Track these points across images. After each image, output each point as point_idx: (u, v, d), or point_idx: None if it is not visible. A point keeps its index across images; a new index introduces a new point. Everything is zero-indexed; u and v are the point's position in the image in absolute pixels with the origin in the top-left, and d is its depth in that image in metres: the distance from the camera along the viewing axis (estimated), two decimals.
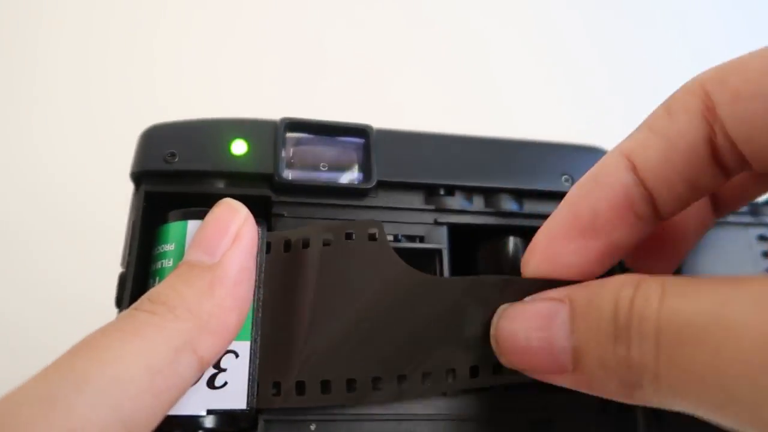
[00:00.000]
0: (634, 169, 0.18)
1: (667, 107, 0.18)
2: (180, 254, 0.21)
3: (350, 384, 0.20)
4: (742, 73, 0.17)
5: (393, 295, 0.20)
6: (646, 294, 0.15)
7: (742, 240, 0.24)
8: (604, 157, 0.19)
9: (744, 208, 0.25)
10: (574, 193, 0.19)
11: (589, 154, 0.26)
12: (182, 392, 0.18)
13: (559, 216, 0.19)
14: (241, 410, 0.20)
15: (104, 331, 0.17)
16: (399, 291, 0.20)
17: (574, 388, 0.17)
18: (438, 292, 0.20)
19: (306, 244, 0.21)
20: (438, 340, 0.20)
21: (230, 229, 0.20)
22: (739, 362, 0.13)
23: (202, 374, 0.19)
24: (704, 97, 0.17)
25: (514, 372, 0.19)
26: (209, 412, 0.19)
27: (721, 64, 0.17)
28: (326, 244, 0.21)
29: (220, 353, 0.19)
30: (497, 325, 0.19)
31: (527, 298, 0.19)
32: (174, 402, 0.18)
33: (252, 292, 0.20)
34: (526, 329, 0.18)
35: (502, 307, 0.19)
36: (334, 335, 0.20)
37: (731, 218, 0.24)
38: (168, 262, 0.21)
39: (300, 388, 0.20)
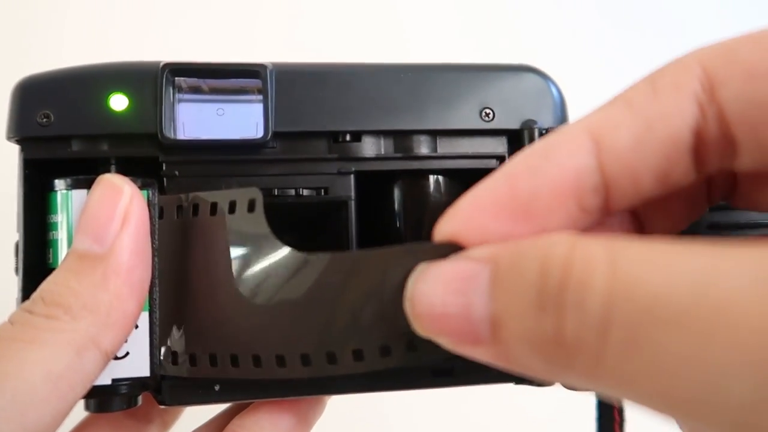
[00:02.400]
0: (597, 152, 0.15)
1: (653, 81, 0.15)
2: (69, 226, 0.20)
3: (256, 359, 0.20)
4: (758, 48, 0.13)
5: (291, 272, 0.20)
6: (587, 256, 0.13)
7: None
8: (563, 129, 0.15)
9: None
10: (516, 165, 0.15)
11: (515, 76, 0.23)
12: (89, 385, 0.18)
13: (492, 187, 0.15)
14: (145, 377, 0.20)
15: (1, 342, 0.17)
16: (284, 266, 0.19)
17: (492, 362, 0.15)
18: (342, 265, 0.19)
19: (195, 211, 0.20)
20: (345, 316, 0.19)
21: (116, 211, 0.19)
22: (735, 354, 0.11)
23: (108, 362, 0.19)
24: (702, 76, 0.14)
25: (429, 350, 0.17)
26: (114, 381, 0.20)
27: (727, 40, 0.14)
28: (212, 212, 0.20)
29: (124, 340, 0.19)
30: (413, 286, 0.16)
31: (450, 258, 0.16)
32: (80, 396, 0.18)
33: (149, 272, 0.20)
34: (443, 292, 0.15)
35: (421, 266, 0.16)
36: (230, 310, 0.20)
37: None
38: (58, 234, 0.21)
39: (213, 360, 0.20)
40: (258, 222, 0.19)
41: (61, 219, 0.21)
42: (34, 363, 0.17)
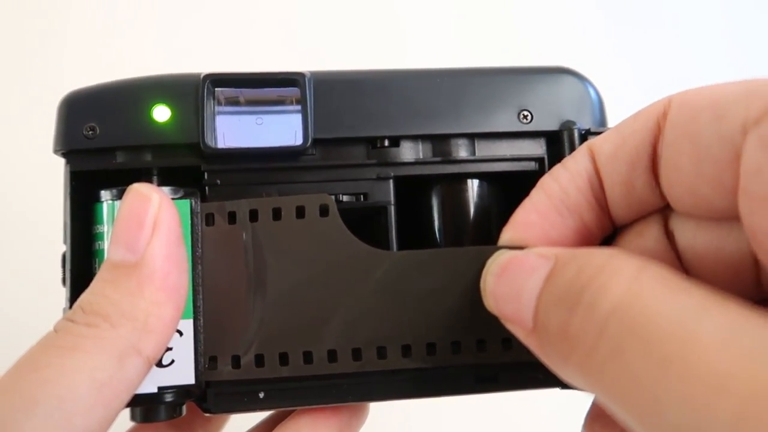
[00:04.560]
0: (592, 160, 0.19)
1: (638, 111, 0.18)
2: None
3: (307, 356, 0.20)
4: (699, 97, 0.16)
5: (348, 269, 0.20)
6: (617, 267, 0.14)
7: None
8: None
9: None
10: (546, 177, 0.20)
11: (552, 78, 0.23)
12: (132, 392, 0.19)
13: (534, 196, 0.19)
14: (191, 385, 0.20)
15: (44, 349, 0.18)
16: (354, 266, 0.20)
17: (530, 348, 0.17)
18: (404, 266, 0.20)
19: (254, 217, 0.20)
20: (402, 313, 0.20)
21: (146, 219, 0.19)
22: (678, 394, 0.12)
23: (151, 368, 0.19)
24: (666, 105, 0.17)
25: (494, 352, 0.20)
26: (160, 389, 0.20)
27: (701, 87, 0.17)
28: (275, 217, 0.20)
29: (165, 346, 0.20)
30: (490, 266, 0.19)
31: (525, 249, 0.18)
32: (125, 403, 0.18)
33: (185, 276, 0.20)
34: (511, 278, 0.18)
35: (498, 252, 0.19)
36: (288, 309, 0.20)
37: None
38: (104, 244, 0.21)
39: (259, 360, 0.20)
40: (333, 224, 0.20)
41: (107, 229, 0.21)
42: (78, 370, 0.17)
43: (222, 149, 0.21)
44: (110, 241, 0.19)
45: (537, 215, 0.19)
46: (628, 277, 0.14)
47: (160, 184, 0.22)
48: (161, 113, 0.21)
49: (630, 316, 0.13)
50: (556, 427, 0.34)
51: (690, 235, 0.17)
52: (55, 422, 0.16)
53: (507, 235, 0.19)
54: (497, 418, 0.44)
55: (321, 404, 0.21)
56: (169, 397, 0.21)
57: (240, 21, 0.49)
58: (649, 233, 0.18)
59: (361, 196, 0.22)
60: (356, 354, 0.20)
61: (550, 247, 0.17)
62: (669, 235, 0.18)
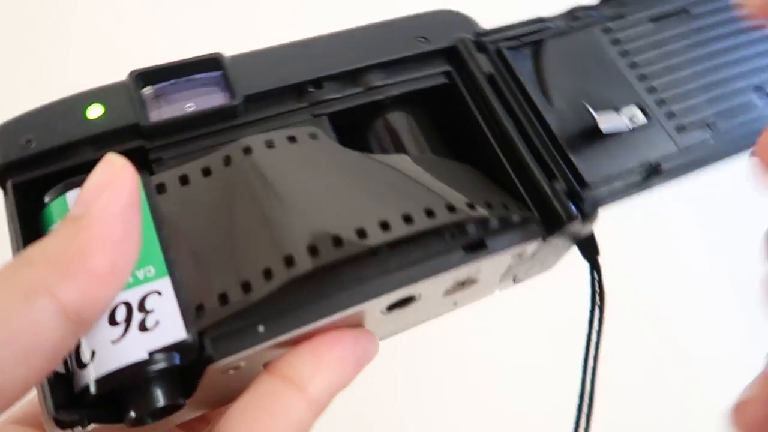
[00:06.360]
0: None
1: None
2: None
3: (288, 260, 0.19)
4: None
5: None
6: None
7: (591, 38, 0.26)
8: None
9: (587, 14, 0.27)
10: None
11: (437, 14, 0.27)
12: (47, 343, 0.16)
13: None
14: (183, 339, 0.19)
15: None
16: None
17: None
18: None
19: (228, 161, 0.21)
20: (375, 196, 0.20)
21: (102, 181, 0.19)
22: None
23: (78, 327, 0.17)
24: None
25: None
26: (151, 354, 0.19)
27: None
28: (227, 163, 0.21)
29: (90, 298, 0.17)
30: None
31: None
32: (43, 358, 0.16)
33: (133, 237, 0.19)
34: None
35: None
36: (250, 227, 0.20)
37: (576, 24, 0.26)
38: None
39: (246, 286, 0.19)
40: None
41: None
42: None
43: (160, 121, 0.22)
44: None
45: None
46: None
47: None
48: (95, 111, 0.22)
49: None
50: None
51: None
52: None
53: None
54: (498, 420, 0.41)
55: (323, 318, 0.20)
56: (162, 361, 0.19)
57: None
58: None
59: None
60: (337, 241, 0.20)
61: None
62: None
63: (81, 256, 0.17)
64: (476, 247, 0.21)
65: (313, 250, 0.19)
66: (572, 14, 0.26)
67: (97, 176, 0.19)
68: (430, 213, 0.20)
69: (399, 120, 0.25)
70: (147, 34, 0.55)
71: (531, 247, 0.22)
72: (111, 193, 0.19)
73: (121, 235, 0.18)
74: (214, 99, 0.24)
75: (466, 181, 0.23)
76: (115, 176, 0.19)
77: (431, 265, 0.21)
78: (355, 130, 0.25)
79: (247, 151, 0.21)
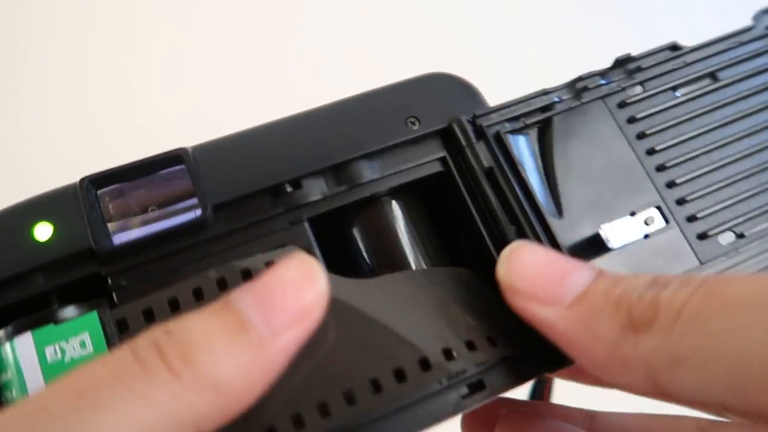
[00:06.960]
0: None
1: None
2: (22, 382, 0.18)
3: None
4: None
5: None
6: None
7: (603, 115, 0.23)
8: None
9: (596, 82, 0.23)
10: None
11: (431, 83, 0.23)
12: None
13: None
14: None
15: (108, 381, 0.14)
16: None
17: (555, 323, 0.18)
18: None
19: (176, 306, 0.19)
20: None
21: (300, 303, 0.17)
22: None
23: None
24: None
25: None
26: None
27: None
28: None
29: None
30: (512, 247, 0.20)
31: None
32: None
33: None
34: (544, 259, 0.19)
35: (516, 242, 0.20)
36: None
37: (585, 96, 0.23)
38: (12, 393, 0.18)
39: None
40: None
41: (11, 376, 0.18)
42: (131, 422, 0.14)
43: (118, 245, 0.20)
44: (246, 288, 0.16)
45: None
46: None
47: (61, 305, 0.19)
48: (43, 231, 0.20)
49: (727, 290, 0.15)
50: None
51: None
52: None
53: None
54: None
55: None
56: None
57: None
58: None
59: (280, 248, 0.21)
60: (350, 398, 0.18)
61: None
62: None
63: (245, 395, 0.16)
64: (476, 389, 0.19)
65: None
66: (580, 84, 0.23)
67: (295, 288, 0.17)
68: (425, 365, 0.18)
69: (387, 212, 0.23)
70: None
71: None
72: (301, 329, 0.17)
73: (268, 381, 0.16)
74: (180, 200, 0.21)
75: (469, 308, 0.20)
76: (314, 309, 0.17)
77: (430, 414, 0.19)
78: (336, 222, 0.23)
79: (221, 283, 0.19)
